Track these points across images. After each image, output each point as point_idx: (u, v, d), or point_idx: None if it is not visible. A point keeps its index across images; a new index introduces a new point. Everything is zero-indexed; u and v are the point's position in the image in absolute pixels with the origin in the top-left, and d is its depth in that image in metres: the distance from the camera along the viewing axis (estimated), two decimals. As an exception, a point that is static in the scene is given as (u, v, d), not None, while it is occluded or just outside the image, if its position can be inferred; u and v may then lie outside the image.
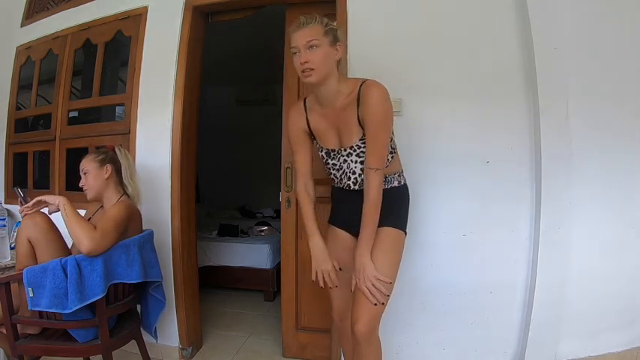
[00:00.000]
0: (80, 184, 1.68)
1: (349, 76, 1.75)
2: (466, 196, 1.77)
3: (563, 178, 1.66)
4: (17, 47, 2.59)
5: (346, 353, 1.60)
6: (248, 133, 4.87)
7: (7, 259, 1.84)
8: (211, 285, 3.20)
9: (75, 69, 2.38)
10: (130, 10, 2.19)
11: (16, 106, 2.59)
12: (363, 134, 1.32)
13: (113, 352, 1.55)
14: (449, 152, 1.77)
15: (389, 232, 1.36)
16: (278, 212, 3.96)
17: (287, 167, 2.06)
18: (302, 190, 1.47)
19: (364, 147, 1.32)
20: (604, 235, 1.71)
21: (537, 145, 1.67)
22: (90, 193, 1.67)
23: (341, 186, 1.44)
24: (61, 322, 1.46)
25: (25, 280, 1.40)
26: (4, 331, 1.48)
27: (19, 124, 2.61)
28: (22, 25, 2.60)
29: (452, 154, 1.77)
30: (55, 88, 2.38)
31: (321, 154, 1.45)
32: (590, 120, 1.68)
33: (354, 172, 1.37)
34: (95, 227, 1.48)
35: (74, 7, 2.37)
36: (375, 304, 1.27)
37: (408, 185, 1.48)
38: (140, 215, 1.72)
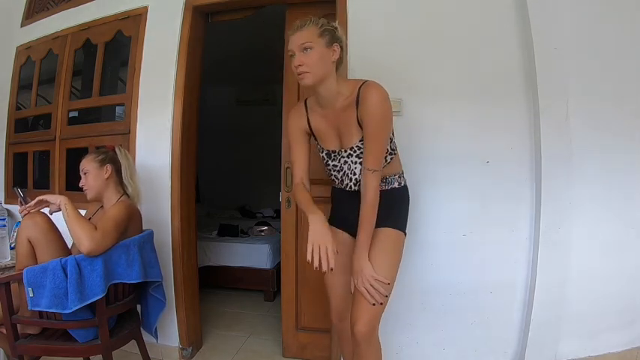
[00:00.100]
0: (80, 184, 1.68)
1: (349, 76, 1.76)
2: (466, 196, 1.77)
3: (563, 178, 1.66)
4: (17, 47, 2.59)
5: (345, 354, 1.59)
6: (248, 133, 4.87)
7: (7, 259, 1.84)
8: (211, 285, 3.20)
9: (75, 69, 2.38)
10: (130, 10, 2.19)
11: (16, 106, 2.59)
12: (363, 135, 1.32)
13: (113, 352, 1.55)
14: (449, 152, 1.77)
15: (388, 232, 1.36)
16: (278, 212, 3.96)
17: (287, 167, 2.06)
18: (299, 183, 1.43)
19: (364, 148, 1.32)
20: (604, 235, 1.71)
21: (537, 145, 1.67)
22: (90, 193, 1.67)
23: (342, 187, 1.44)
24: (61, 322, 1.46)
25: (25, 280, 1.40)
26: (4, 331, 1.48)
27: (19, 124, 2.61)
28: (22, 25, 2.60)
29: (452, 154, 1.77)
30: (55, 88, 2.38)
31: (321, 155, 1.45)
32: (590, 120, 1.68)
33: (354, 173, 1.37)
34: (96, 227, 1.48)
35: (74, 7, 2.37)
36: (374, 305, 1.27)
37: (408, 185, 1.48)
38: (140, 215, 1.72)
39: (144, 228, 1.75)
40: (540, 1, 1.67)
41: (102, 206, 1.73)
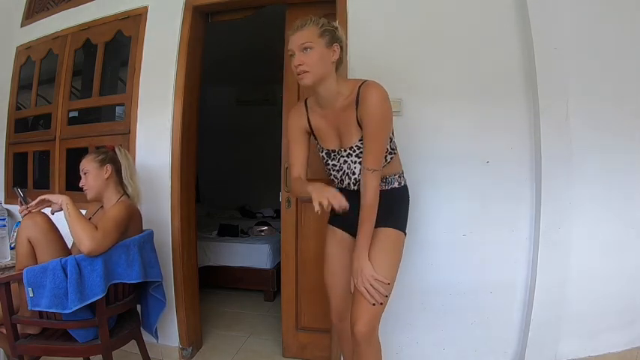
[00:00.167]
0: (80, 184, 1.68)
1: (349, 76, 1.76)
2: (466, 196, 1.77)
3: (563, 178, 1.66)
4: (17, 47, 2.59)
5: (345, 354, 1.59)
6: (248, 133, 4.87)
7: (7, 259, 1.84)
8: (211, 285, 3.20)
9: (75, 69, 2.38)
10: (130, 10, 2.19)
11: (16, 106, 2.59)
12: (362, 135, 1.32)
13: (113, 352, 1.55)
14: (449, 152, 1.77)
15: (388, 232, 1.36)
16: (278, 212, 3.96)
17: (287, 167, 2.06)
18: (297, 177, 1.42)
19: (363, 147, 1.32)
20: (604, 235, 1.71)
21: (537, 145, 1.67)
22: (90, 193, 1.67)
23: (342, 187, 1.44)
24: (61, 322, 1.46)
25: (25, 280, 1.40)
26: (4, 331, 1.48)
27: (19, 124, 2.61)
28: (22, 25, 2.60)
29: (452, 154, 1.77)
30: (55, 88, 2.38)
31: (321, 154, 1.45)
32: (590, 120, 1.68)
33: (353, 173, 1.37)
34: (97, 227, 1.48)
35: (74, 7, 2.37)
36: (374, 304, 1.26)
37: (408, 185, 1.48)
38: (140, 215, 1.72)
39: (144, 228, 1.75)
40: (540, 1, 1.67)
41: (102, 206, 1.73)
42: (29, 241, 1.51)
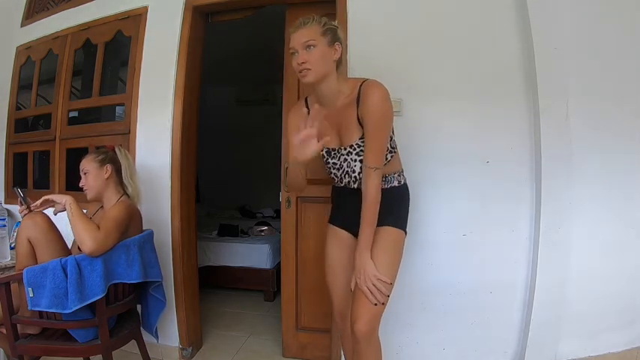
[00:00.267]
0: (80, 184, 1.68)
1: (349, 75, 1.75)
2: (466, 196, 1.77)
3: (563, 178, 1.66)
4: (17, 47, 2.59)
5: (347, 353, 1.60)
6: (248, 133, 4.87)
7: (7, 259, 1.84)
8: (211, 285, 3.20)
9: (75, 69, 2.38)
10: (130, 10, 2.19)
11: (16, 106, 2.59)
12: (363, 133, 1.32)
13: (113, 352, 1.55)
14: (449, 152, 1.77)
15: (389, 231, 1.36)
16: (278, 212, 3.96)
17: (287, 167, 2.05)
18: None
19: (364, 145, 1.32)
20: (604, 235, 1.71)
21: (537, 145, 1.67)
22: (90, 193, 1.67)
23: (341, 185, 1.45)
24: (61, 322, 1.46)
25: (25, 280, 1.40)
26: (4, 331, 1.48)
27: (19, 124, 2.61)
28: (22, 25, 2.60)
29: (452, 154, 1.77)
30: (55, 88, 2.38)
31: (322, 152, 1.45)
32: (590, 120, 1.68)
33: (354, 171, 1.37)
34: (98, 227, 1.48)
35: (74, 7, 2.37)
36: (375, 304, 1.27)
37: (408, 185, 1.48)
38: (140, 215, 1.72)
39: (144, 228, 1.75)
40: (540, 1, 1.67)
41: (102, 206, 1.73)
42: (29, 241, 1.51)
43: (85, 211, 1.54)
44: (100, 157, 1.69)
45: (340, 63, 1.35)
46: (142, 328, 1.78)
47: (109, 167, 1.68)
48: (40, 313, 1.44)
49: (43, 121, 2.53)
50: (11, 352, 1.50)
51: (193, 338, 2.18)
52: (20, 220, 1.65)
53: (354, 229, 1.43)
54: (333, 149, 1.41)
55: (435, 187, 1.78)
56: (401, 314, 1.80)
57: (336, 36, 1.30)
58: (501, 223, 1.74)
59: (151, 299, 1.76)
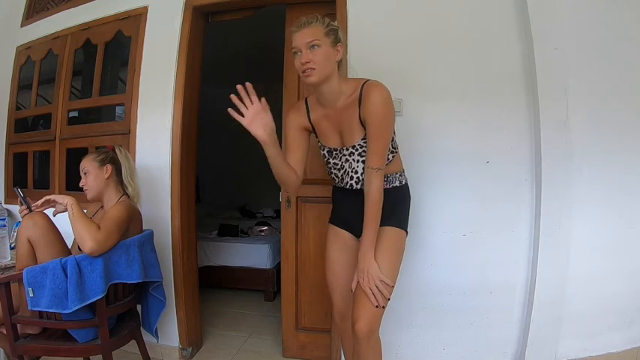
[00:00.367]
0: (80, 184, 1.68)
1: (349, 76, 1.75)
2: (466, 196, 1.77)
3: (563, 178, 1.66)
4: (17, 47, 2.59)
5: (346, 353, 1.59)
6: (248, 133, 4.83)
7: (7, 259, 1.84)
8: (211, 285, 3.20)
9: (75, 69, 2.38)
10: (130, 10, 2.19)
11: (16, 106, 2.59)
12: (365, 134, 1.32)
13: (113, 352, 1.55)
14: (449, 152, 1.77)
15: (391, 231, 1.36)
16: (278, 212, 3.96)
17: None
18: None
19: (366, 146, 1.32)
20: (604, 235, 1.71)
21: (537, 145, 1.67)
22: (90, 193, 1.67)
23: (342, 185, 1.44)
24: (61, 322, 1.46)
25: (25, 280, 1.40)
26: (4, 331, 1.48)
27: (19, 124, 2.61)
28: (22, 25, 2.60)
29: (452, 154, 1.77)
30: (55, 88, 2.38)
31: (323, 152, 1.45)
32: (590, 120, 1.68)
33: (356, 172, 1.37)
34: (98, 227, 1.48)
35: (74, 7, 2.37)
36: (377, 307, 1.26)
37: (409, 185, 1.48)
38: (140, 215, 1.72)
39: (144, 228, 1.75)
40: (540, 1, 1.67)
41: (102, 206, 1.73)
42: (29, 241, 1.51)
43: (85, 211, 1.53)
44: (100, 157, 1.69)
45: (341, 64, 1.35)
46: (142, 328, 1.78)
47: (109, 167, 1.68)
48: (40, 313, 1.44)
49: (43, 121, 2.53)
50: (11, 352, 1.50)
51: (193, 338, 2.18)
52: (20, 220, 1.65)
53: (355, 229, 1.44)
54: (335, 149, 1.40)
55: (435, 187, 1.78)
56: (401, 314, 1.80)
57: (338, 37, 1.30)
58: (501, 223, 1.74)
59: (151, 299, 1.76)
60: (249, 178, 4.90)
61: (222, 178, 4.95)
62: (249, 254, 3.22)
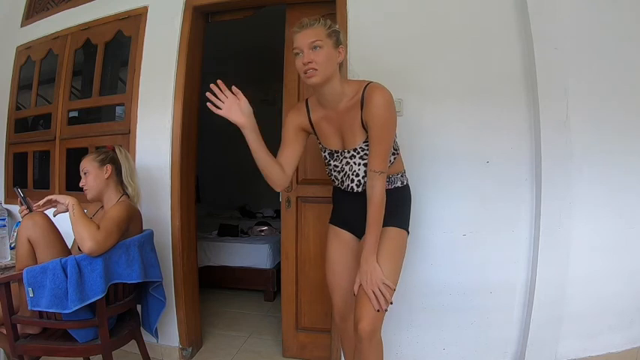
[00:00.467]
0: (80, 184, 1.68)
1: (349, 77, 1.75)
2: (466, 196, 1.77)
3: (563, 178, 1.66)
4: (17, 47, 2.59)
5: (346, 353, 1.59)
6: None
7: (7, 259, 1.84)
8: (211, 285, 3.20)
9: (75, 69, 2.38)
10: (130, 10, 2.19)
11: (16, 106, 2.59)
12: (367, 136, 1.31)
13: (113, 352, 1.55)
14: (449, 152, 1.77)
15: (393, 232, 1.36)
16: (278, 212, 3.96)
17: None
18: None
19: (368, 149, 1.32)
20: (604, 235, 1.71)
21: (537, 145, 1.67)
22: (90, 193, 1.67)
23: (342, 188, 1.44)
24: (61, 322, 1.46)
25: (25, 280, 1.40)
26: (4, 331, 1.48)
27: (19, 124, 2.61)
28: (22, 25, 2.60)
29: (452, 154, 1.77)
30: (55, 88, 2.38)
31: (323, 154, 1.44)
32: (590, 120, 1.68)
33: (357, 175, 1.37)
34: (99, 227, 1.48)
35: (74, 7, 2.37)
36: (378, 311, 1.26)
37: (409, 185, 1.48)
38: (140, 215, 1.72)
39: (144, 228, 1.75)
40: (540, 2, 1.67)
41: (102, 207, 1.73)
42: (29, 241, 1.51)
43: (85, 211, 1.54)
44: (100, 157, 1.69)
45: (342, 66, 1.34)
46: (142, 328, 1.78)
47: (109, 167, 1.68)
48: (40, 313, 1.44)
49: (43, 121, 2.53)
50: (11, 352, 1.50)
51: (193, 338, 2.18)
52: (20, 220, 1.65)
53: (355, 229, 1.44)
54: (336, 151, 1.40)
55: (435, 187, 1.78)
56: (401, 314, 1.80)
57: (339, 39, 1.30)
58: (501, 223, 1.74)
59: (150, 299, 1.76)
60: (249, 178, 4.88)
61: (222, 178, 4.94)
62: (249, 254, 3.22)
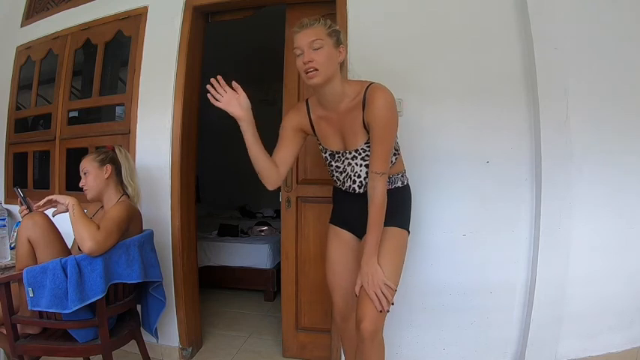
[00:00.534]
0: (80, 184, 1.69)
1: (349, 76, 1.75)
2: (466, 196, 1.77)
3: (563, 178, 1.66)
4: (17, 47, 2.59)
5: (347, 353, 1.59)
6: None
7: (7, 259, 1.84)
8: (211, 285, 3.20)
9: (75, 69, 2.38)
10: (130, 10, 2.19)
11: (16, 106, 2.59)
12: (369, 137, 1.31)
13: (113, 352, 1.55)
14: (449, 152, 1.77)
15: (394, 231, 1.36)
16: (278, 212, 3.96)
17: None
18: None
19: (369, 150, 1.32)
20: (604, 235, 1.71)
21: (537, 145, 1.67)
22: (90, 193, 1.67)
23: (343, 188, 1.44)
24: (61, 322, 1.46)
25: (25, 280, 1.40)
26: (4, 331, 1.48)
27: (19, 124, 2.61)
28: (22, 25, 2.60)
29: (452, 154, 1.77)
30: (55, 88, 2.38)
31: (324, 155, 1.44)
32: (590, 120, 1.68)
33: (359, 176, 1.36)
34: (99, 227, 1.48)
35: (74, 7, 2.37)
36: (380, 312, 1.26)
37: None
38: (140, 215, 1.72)
39: (144, 228, 1.75)
40: (540, 2, 1.67)
41: (102, 207, 1.73)
42: (29, 241, 1.51)
43: (85, 211, 1.54)
44: (100, 157, 1.69)
45: (343, 66, 1.34)
46: (142, 328, 1.78)
47: (109, 167, 1.68)
48: (40, 313, 1.44)
49: (43, 121, 2.53)
50: (11, 352, 1.50)
51: (193, 338, 2.18)
52: (20, 220, 1.65)
53: (356, 229, 1.43)
54: (337, 152, 1.40)
55: (434, 187, 1.78)
56: (401, 314, 1.80)
57: (340, 38, 1.30)
58: (501, 223, 1.74)
59: (150, 299, 1.76)
60: (249, 178, 4.85)
61: (222, 178, 4.94)
62: (249, 254, 3.22)
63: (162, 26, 2.11)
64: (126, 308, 1.64)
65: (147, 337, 1.78)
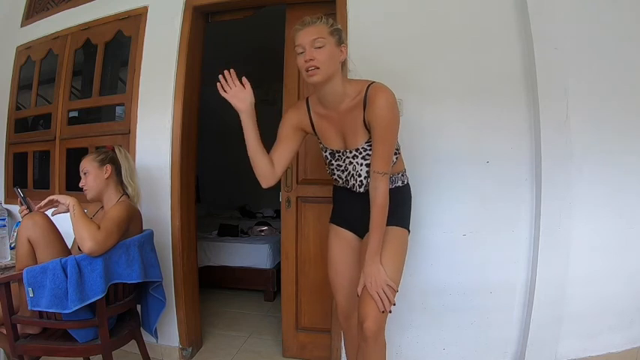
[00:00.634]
0: (80, 184, 1.69)
1: (349, 76, 1.75)
2: (466, 196, 1.77)
3: (563, 178, 1.66)
4: (17, 47, 2.59)
5: (349, 352, 1.59)
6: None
7: (7, 259, 1.84)
8: (211, 285, 3.20)
9: (75, 69, 2.38)
10: (130, 10, 2.19)
11: (16, 106, 2.59)
12: (369, 137, 1.31)
13: (113, 352, 1.55)
14: (449, 152, 1.77)
15: (395, 231, 1.36)
16: (278, 212, 3.96)
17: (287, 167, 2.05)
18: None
19: (370, 149, 1.31)
20: (604, 235, 1.71)
21: (537, 145, 1.67)
22: (90, 193, 1.67)
23: (346, 187, 1.44)
24: (60, 322, 1.46)
25: (25, 280, 1.40)
26: (4, 331, 1.48)
27: (19, 124, 2.61)
28: (22, 25, 2.60)
29: (452, 154, 1.77)
30: (55, 88, 2.38)
31: (325, 154, 1.44)
32: (590, 120, 1.68)
33: (360, 175, 1.36)
34: (99, 227, 1.48)
35: (74, 7, 2.37)
36: (383, 312, 1.26)
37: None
38: (140, 215, 1.72)
39: (144, 228, 1.75)
40: (540, 2, 1.67)
41: (102, 207, 1.73)
42: (29, 241, 1.51)
43: (85, 211, 1.54)
44: (100, 157, 1.69)
45: (344, 65, 1.34)
46: (141, 328, 1.78)
47: (109, 167, 1.68)
48: (40, 313, 1.44)
49: (43, 121, 2.53)
50: (11, 352, 1.50)
51: (193, 338, 2.18)
52: (20, 220, 1.65)
53: (356, 228, 1.43)
54: (338, 151, 1.40)
55: (434, 187, 1.78)
56: (401, 314, 1.79)
57: (341, 37, 1.29)
58: (501, 223, 1.74)
59: (150, 299, 1.75)
60: (249, 178, 4.85)
61: (222, 178, 4.94)
62: (249, 254, 3.22)
63: (162, 26, 2.11)
64: (126, 308, 1.64)
65: (147, 337, 1.78)
